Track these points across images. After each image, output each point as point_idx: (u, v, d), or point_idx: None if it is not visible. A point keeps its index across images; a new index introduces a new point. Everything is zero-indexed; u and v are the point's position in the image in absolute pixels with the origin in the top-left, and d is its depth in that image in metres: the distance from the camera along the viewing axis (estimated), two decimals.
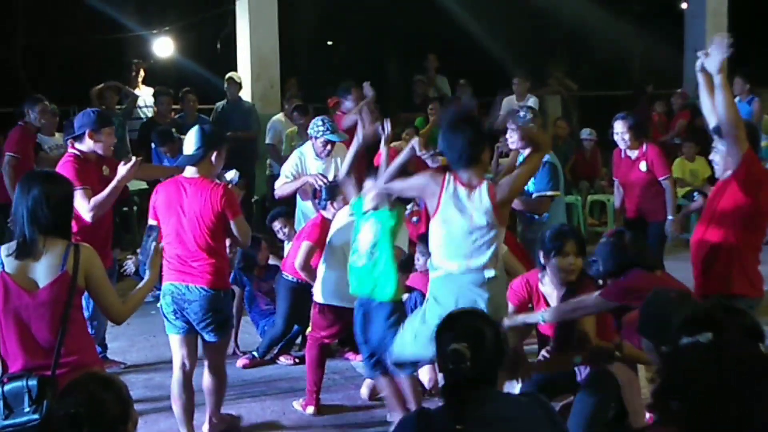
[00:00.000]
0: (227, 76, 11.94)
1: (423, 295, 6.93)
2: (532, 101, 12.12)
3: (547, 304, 5.36)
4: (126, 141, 11.15)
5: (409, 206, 7.38)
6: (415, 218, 7.59)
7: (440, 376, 3.64)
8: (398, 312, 5.76)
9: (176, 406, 5.74)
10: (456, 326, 3.34)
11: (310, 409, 6.42)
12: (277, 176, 9.31)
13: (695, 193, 11.44)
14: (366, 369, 6.12)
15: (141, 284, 4.51)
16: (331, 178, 7.72)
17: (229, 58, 13.19)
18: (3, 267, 4.10)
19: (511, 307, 5.37)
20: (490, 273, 4.99)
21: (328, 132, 7.84)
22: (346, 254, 6.13)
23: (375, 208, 5.75)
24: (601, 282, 5.23)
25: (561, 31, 17.48)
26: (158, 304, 8.94)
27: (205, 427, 5.99)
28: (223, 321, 5.68)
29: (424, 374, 6.50)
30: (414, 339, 5.13)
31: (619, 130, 8.01)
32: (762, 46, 16.19)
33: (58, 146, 9.60)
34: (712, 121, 5.36)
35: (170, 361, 6.01)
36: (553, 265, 5.24)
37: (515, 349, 5.21)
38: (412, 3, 17.95)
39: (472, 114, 5.36)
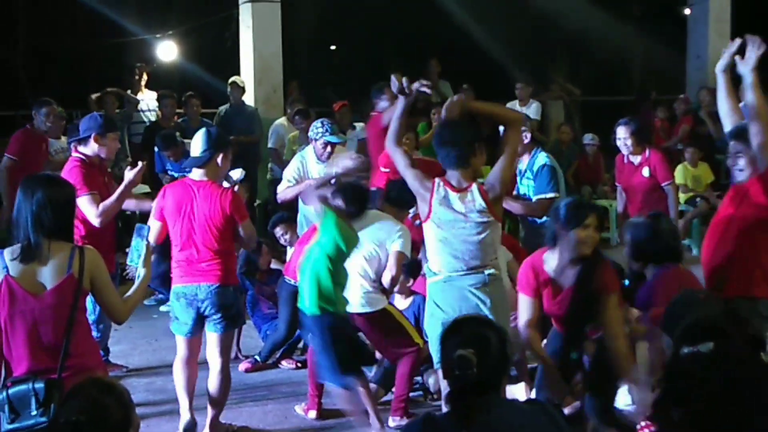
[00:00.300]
0: (230, 80, 11.95)
1: (425, 300, 6.95)
2: (534, 106, 12.14)
3: (555, 288, 5.18)
4: (125, 145, 11.17)
5: (413, 209, 7.38)
6: (418, 221, 7.57)
7: (443, 382, 3.64)
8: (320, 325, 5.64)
9: (178, 385, 5.95)
10: (462, 332, 3.33)
11: (312, 414, 6.42)
12: (278, 180, 9.31)
13: (698, 199, 11.43)
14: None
15: (136, 283, 4.53)
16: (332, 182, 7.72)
17: (232, 62, 13.20)
18: (8, 271, 4.10)
19: (527, 300, 5.23)
20: (490, 270, 5.02)
21: (327, 134, 7.85)
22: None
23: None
24: (632, 266, 5.16)
25: (562, 35, 17.46)
26: (161, 308, 9.05)
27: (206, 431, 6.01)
28: (234, 315, 5.90)
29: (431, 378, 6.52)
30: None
31: (622, 135, 8.01)
32: (765, 51, 16.15)
33: (63, 149, 9.62)
34: (727, 125, 5.33)
35: (172, 365, 6.03)
36: (571, 238, 5.04)
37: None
38: (413, 6, 17.95)
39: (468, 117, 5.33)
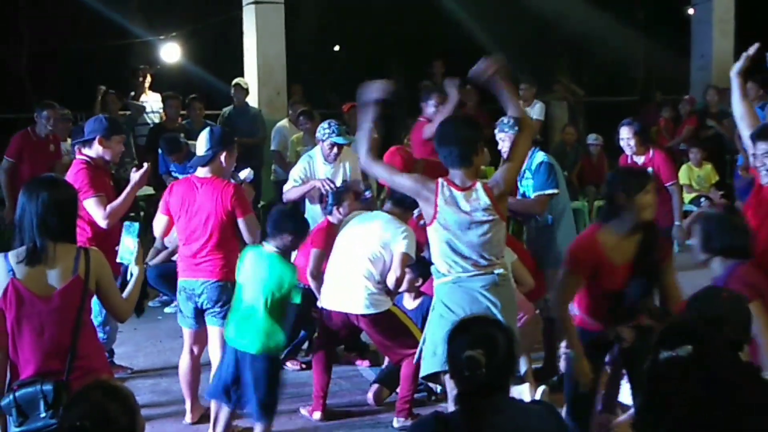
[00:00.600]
0: (234, 81, 11.96)
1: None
2: (538, 107, 12.13)
3: (610, 264, 4.94)
4: (131, 148, 11.18)
5: (417, 210, 7.38)
6: (422, 222, 7.56)
7: (450, 383, 3.63)
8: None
9: (183, 382, 6.08)
10: (470, 332, 3.32)
11: (317, 415, 6.42)
12: (281, 182, 9.32)
13: (702, 199, 11.43)
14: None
15: (132, 281, 4.52)
16: (339, 182, 7.73)
17: (236, 64, 13.21)
18: (13, 274, 4.09)
19: (573, 278, 4.94)
20: (499, 271, 5.03)
21: (333, 135, 7.84)
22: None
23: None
24: (698, 257, 5.10)
25: (566, 36, 17.47)
26: (165, 310, 9.06)
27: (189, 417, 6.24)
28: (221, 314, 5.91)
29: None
30: (434, 353, 5.05)
31: (625, 135, 8.01)
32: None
33: (68, 152, 9.65)
34: (743, 127, 5.34)
35: (177, 367, 6.06)
36: (634, 204, 4.89)
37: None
38: (417, 8, 17.96)
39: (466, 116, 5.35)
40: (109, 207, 6.36)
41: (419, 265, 6.64)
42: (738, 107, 5.33)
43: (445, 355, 3.40)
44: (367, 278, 6.18)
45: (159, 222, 6.12)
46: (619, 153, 8.32)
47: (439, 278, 5.13)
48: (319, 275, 6.71)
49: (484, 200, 4.97)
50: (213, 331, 5.94)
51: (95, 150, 6.55)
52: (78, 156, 6.63)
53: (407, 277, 6.59)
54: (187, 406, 6.23)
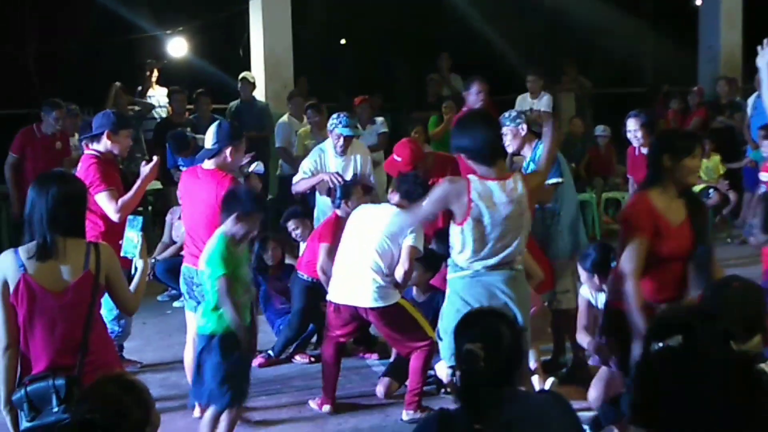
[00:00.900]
0: (241, 76, 11.96)
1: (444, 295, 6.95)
2: (545, 99, 12.11)
3: (668, 224, 4.81)
4: (141, 143, 11.20)
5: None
6: None
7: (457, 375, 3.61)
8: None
9: (189, 374, 6.02)
10: (474, 326, 3.32)
11: (326, 408, 6.43)
12: (287, 177, 9.34)
13: (710, 190, 11.40)
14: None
15: (137, 275, 4.54)
16: (350, 175, 7.74)
17: (243, 59, 13.21)
18: (24, 269, 4.10)
19: (639, 242, 4.72)
20: (519, 266, 5.08)
21: (340, 125, 7.84)
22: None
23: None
24: (763, 238, 5.04)
25: (573, 28, 17.41)
26: (174, 304, 9.08)
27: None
28: None
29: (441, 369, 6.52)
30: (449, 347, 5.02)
31: (632, 127, 7.98)
32: None
33: (75, 147, 9.69)
34: None
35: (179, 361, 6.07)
36: (680, 167, 4.83)
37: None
38: (423, 1, 17.93)
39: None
40: (120, 200, 6.42)
41: (427, 258, 6.64)
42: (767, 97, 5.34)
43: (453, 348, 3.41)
44: (375, 271, 6.19)
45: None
46: (627, 144, 8.30)
47: (456, 272, 5.11)
48: (328, 269, 6.72)
49: (521, 189, 5.00)
50: None
51: (104, 144, 6.60)
52: (87, 151, 6.67)
53: (416, 272, 6.61)
54: None
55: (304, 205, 8.51)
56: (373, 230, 6.30)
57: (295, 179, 8.08)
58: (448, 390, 6.46)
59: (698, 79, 14.65)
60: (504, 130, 6.69)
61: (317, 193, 8.08)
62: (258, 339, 7.78)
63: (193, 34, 15.12)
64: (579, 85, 14.44)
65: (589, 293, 5.83)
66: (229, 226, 5.36)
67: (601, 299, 5.55)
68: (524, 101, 11.66)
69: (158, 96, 12.16)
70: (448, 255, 6.52)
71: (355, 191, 7.28)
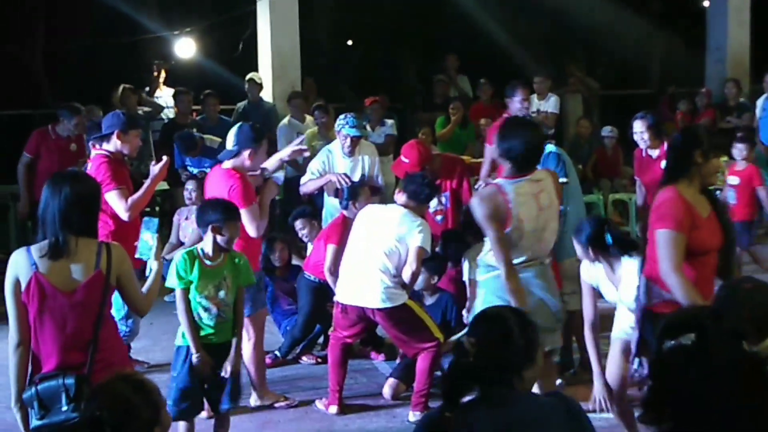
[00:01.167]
0: (248, 77, 11.96)
1: (452, 297, 6.95)
2: (553, 100, 12.11)
3: (699, 217, 4.74)
4: (150, 143, 11.22)
5: (433, 205, 7.39)
6: (439, 217, 7.58)
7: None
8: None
9: None
10: (482, 322, 3.30)
11: (333, 409, 6.44)
12: (291, 180, 9.34)
13: (717, 191, 11.37)
14: None
15: (151, 276, 4.56)
16: (357, 176, 7.74)
17: (251, 59, 13.22)
18: (36, 268, 4.12)
19: (678, 237, 4.58)
20: (547, 260, 5.16)
21: (347, 126, 7.85)
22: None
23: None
24: None
25: (581, 28, 17.42)
26: None
27: (254, 398, 6.43)
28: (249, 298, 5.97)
29: None
30: None
31: (639, 129, 7.98)
32: None
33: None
34: None
35: None
36: (711, 165, 4.78)
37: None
38: (430, 2, 17.93)
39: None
40: (130, 200, 6.46)
41: (434, 261, 6.64)
42: None
43: None
44: (383, 272, 6.19)
45: None
46: (634, 146, 8.30)
47: (489, 272, 5.08)
48: (336, 271, 6.72)
49: (547, 181, 5.06)
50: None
51: (113, 144, 6.64)
52: (97, 151, 6.70)
53: (422, 277, 6.62)
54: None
55: (312, 206, 8.52)
56: (380, 231, 6.30)
57: (303, 180, 8.09)
58: None
59: (706, 80, 14.62)
60: None
61: (325, 194, 8.08)
62: (264, 340, 7.84)
63: (200, 34, 15.15)
64: (586, 86, 14.42)
65: (590, 277, 5.79)
66: (203, 237, 5.34)
67: (603, 286, 5.52)
68: (531, 103, 11.64)
69: (165, 97, 12.18)
70: (456, 258, 6.54)
71: (362, 192, 7.28)
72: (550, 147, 6.86)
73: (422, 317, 6.33)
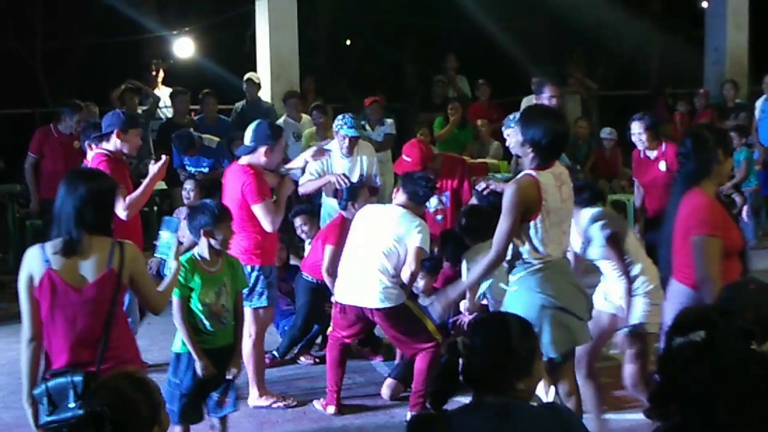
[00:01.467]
0: (246, 76, 11.96)
1: None
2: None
3: (726, 216, 4.81)
4: (149, 142, 11.21)
5: (434, 204, 7.39)
6: (439, 216, 7.57)
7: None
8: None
9: None
10: (479, 324, 3.28)
11: (331, 409, 6.44)
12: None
13: None
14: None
15: (170, 276, 4.60)
16: (356, 177, 7.74)
17: (249, 59, 13.23)
18: (50, 264, 4.14)
19: (715, 242, 4.59)
20: (568, 253, 5.15)
21: (345, 126, 7.86)
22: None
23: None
24: None
25: (580, 29, 17.43)
26: None
27: (252, 398, 6.49)
28: (251, 292, 6.16)
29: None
30: (558, 332, 4.85)
31: (636, 130, 7.99)
32: None
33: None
34: None
35: None
36: (727, 165, 4.85)
37: None
38: (430, 1, 17.94)
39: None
40: (128, 199, 6.46)
41: (429, 262, 6.64)
42: None
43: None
44: (381, 272, 6.19)
45: None
46: (632, 147, 8.31)
47: (526, 269, 4.90)
48: (334, 272, 6.72)
49: (566, 172, 5.03)
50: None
51: (113, 143, 6.65)
52: (97, 150, 6.71)
53: (423, 281, 6.63)
54: None
55: (311, 202, 8.53)
56: (379, 231, 6.30)
57: (301, 180, 8.09)
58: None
59: (704, 82, 14.64)
60: (509, 132, 6.71)
61: (323, 195, 8.08)
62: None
63: (199, 34, 15.15)
64: (585, 86, 14.43)
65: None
66: (198, 242, 5.34)
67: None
68: (529, 103, 11.64)
69: (163, 96, 12.17)
70: (455, 259, 6.53)
71: (361, 193, 7.28)
72: None
73: (421, 318, 6.33)
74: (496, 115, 12.35)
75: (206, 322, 5.26)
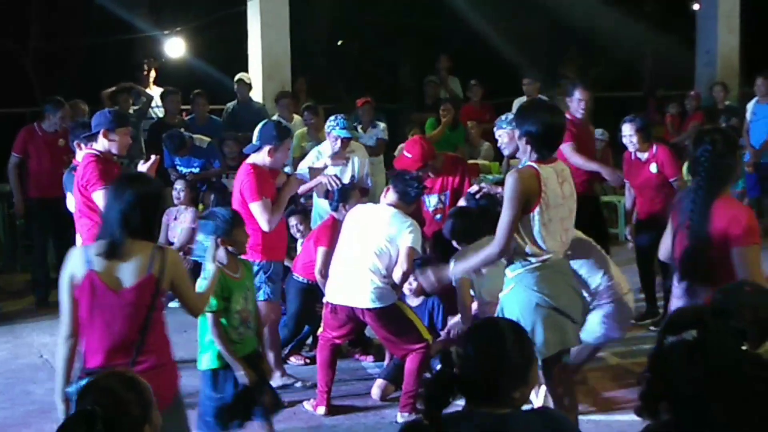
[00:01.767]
0: (237, 77, 11.95)
1: (439, 299, 6.94)
2: None
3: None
4: (140, 142, 11.19)
5: (433, 203, 7.39)
6: (438, 216, 7.55)
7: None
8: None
9: None
10: (472, 332, 3.24)
11: (321, 410, 6.43)
12: None
13: None
14: None
15: (209, 279, 4.68)
16: (347, 177, 7.74)
17: (241, 59, 13.21)
18: (92, 265, 4.18)
19: (757, 249, 4.56)
20: (569, 252, 5.10)
21: (337, 128, 7.86)
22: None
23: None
24: None
25: (573, 32, 17.46)
26: (170, 305, 9.03)
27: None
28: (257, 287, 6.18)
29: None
30: (551, 333, 4.83)
31: (627, 132, 8.03)
32: None
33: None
34: None
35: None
36: (740, 166, 4.93)
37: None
38: (423, 2, 17.95)
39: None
40: None
41: (419, 262, 6.63)
42: None
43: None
44: (373, 272, 6.18)
45: None
46: (623, 148, 8.33)
47: (524, 266, 4.87)
48: (326, 273, 6.72)
49: (567, 170, 5.02)
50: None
51: (101, 144, 6.57)
52: (86, 150, 6.67)
53: (416, 282, 6.63)
54: None
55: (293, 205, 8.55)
56: (371, 231, 6.30)
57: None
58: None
59: (696, 84, 14.67)
60: (500, 132, 6.71)
61: (314, 195, 8.08)
62: None
63: (191, 34, 15.12)
64: None
65: None
66: (215, 251, 5.24)
67: None
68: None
69: (155, 96, 12.14)
70: (446, 259, 6.53)
71: (352, 194, 7.28)
72: None
73: (412, 318, 6.34)
74: (488, 115, 12.35)
75: (239, 330, 5.28)
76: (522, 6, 17.38)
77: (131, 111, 11.39)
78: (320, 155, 8.00)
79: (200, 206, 9.92)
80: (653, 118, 13.09)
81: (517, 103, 11.77)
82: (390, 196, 6.44)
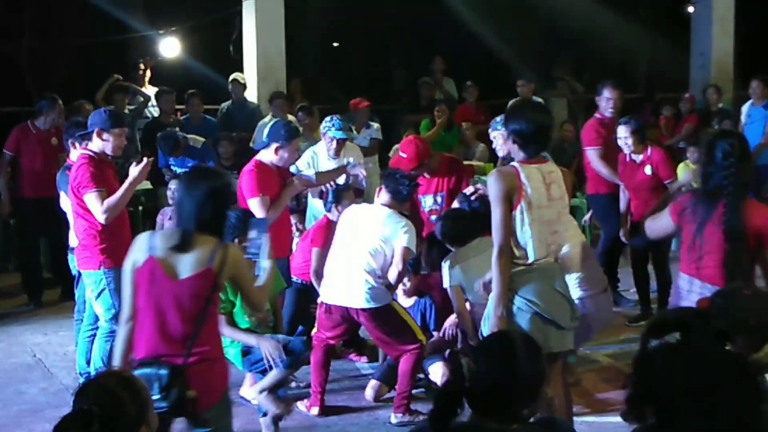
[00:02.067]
0: (231, 77, 11.94)
1: (432, 300, 6.94)
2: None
3: None
4: (136, 141, 11.16)
5: (429, 204, 7.39)
6: (434, 217, 7.54)
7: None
8: None
9: None
10: (484, 346, 3.21)
11: (315, 410, 6.43)
12: None
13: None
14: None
15: (265, 275, 4.68)
16: (342, 179, 7.74)
17: (236, 60, 13.20)
18: (153, 252, 4.22)
19: None
20: (565, 249, 5.15)
21: (333, 128, 7.86)
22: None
23: None
24: None
25: (568, 34, 17.47)
26: None
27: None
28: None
29: (435, 372, 6.53)
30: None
31: (623, 134, 8.03)
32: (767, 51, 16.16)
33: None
34: None
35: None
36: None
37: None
38: (418, 3, 17.94)
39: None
40: (106, 202, 6.32)
41: (411, 262, 6.64)
42: None
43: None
44: (367, 272, 6.18)
45: None
46: (618, 150, 8.33)
47: (512, 267, 4.90)
48: (321, 274, 6.71)
49: (557, 172, 5.00)
50: None
51: (95, 144, 6.53)
52: (81, 150, 6.63)
53: (411, 282, 6.63)
54: None
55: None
56: (365, 231, 6.29)
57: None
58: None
59: (690, 86, 14.69)
60: (495, 134, 6.71)
61: (309, 196, 8.08)
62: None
63: (186, 34, 15.10)
64: (572, 89, 14.45)
65: None
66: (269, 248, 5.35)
67: None
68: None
69: (150, 95, 12.12)
70: (437, 262, 6.53)
71: (347, 195, 7.28)
72: None
73: (406, 319, 6.34)
74: (483, 117, 12.36)
75: (257, 331, 5.47)
76: (517, 8, 17.39)
77: (126, 111, 11.37)
78: (315, 155, 8.00)
79: None
80: (648, 120, 13.10)
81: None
82: (383, 196, 6.44)
